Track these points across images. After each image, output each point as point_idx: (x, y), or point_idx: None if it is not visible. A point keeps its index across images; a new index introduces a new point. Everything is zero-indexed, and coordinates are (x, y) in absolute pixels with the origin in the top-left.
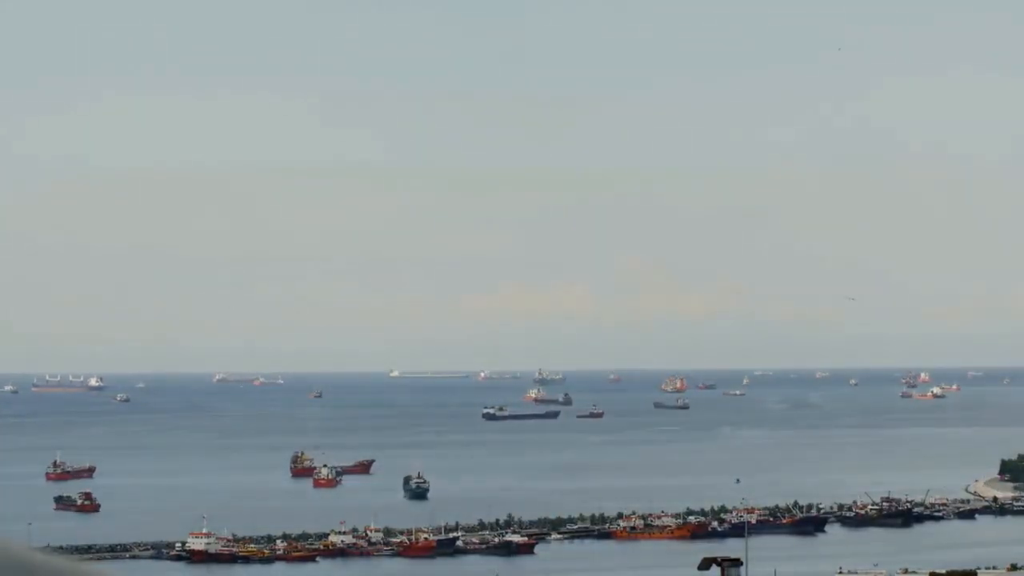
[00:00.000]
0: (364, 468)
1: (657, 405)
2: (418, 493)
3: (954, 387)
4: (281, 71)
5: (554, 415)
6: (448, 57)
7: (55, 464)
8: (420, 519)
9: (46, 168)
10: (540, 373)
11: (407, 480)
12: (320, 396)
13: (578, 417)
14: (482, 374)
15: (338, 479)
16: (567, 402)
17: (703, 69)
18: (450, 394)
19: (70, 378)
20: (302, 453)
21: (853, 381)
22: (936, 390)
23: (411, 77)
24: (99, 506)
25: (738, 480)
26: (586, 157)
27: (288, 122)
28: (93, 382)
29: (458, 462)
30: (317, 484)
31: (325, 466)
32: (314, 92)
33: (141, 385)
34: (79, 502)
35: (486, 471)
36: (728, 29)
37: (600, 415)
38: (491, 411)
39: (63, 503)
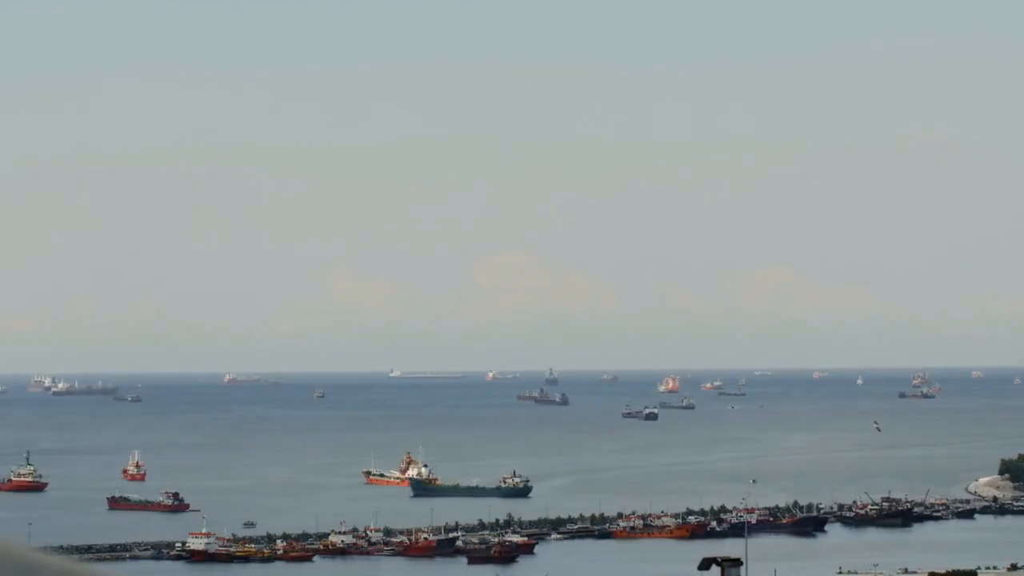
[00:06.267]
0: None
1: (664, 405)
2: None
3: (936, 387)
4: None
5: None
6: None
7: (136, 465)
8: (423, 519)
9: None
10: (551, 373)
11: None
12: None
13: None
14: (490, 374)
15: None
16: (564, 402)
17: None
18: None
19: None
20: (410, 455)
21: (859, 380)
22: (926, 389)
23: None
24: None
25: (754, 481)
26: None
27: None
28: (46, 382)
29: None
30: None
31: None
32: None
33: (139, 386)
34: None
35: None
36: None
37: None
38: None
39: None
